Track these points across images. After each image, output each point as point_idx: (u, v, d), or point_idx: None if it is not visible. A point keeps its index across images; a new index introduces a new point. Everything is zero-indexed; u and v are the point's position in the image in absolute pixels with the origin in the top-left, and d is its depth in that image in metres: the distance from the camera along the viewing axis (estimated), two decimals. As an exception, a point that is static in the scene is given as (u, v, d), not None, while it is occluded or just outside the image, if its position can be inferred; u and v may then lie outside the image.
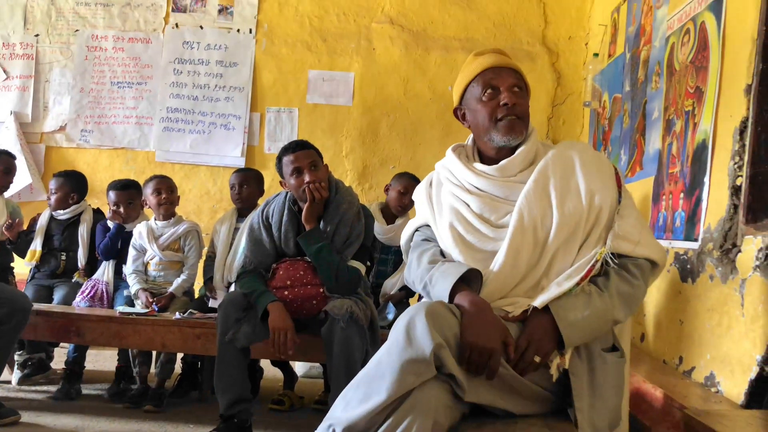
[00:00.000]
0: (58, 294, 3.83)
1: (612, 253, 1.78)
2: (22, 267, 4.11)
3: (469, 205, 1.92)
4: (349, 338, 2.76)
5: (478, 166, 1.94)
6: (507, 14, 5.06)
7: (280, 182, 3.09)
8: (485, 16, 5.07)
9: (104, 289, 3.76)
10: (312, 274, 2.97)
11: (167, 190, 3.77)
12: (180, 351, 3.50)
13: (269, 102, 5.18)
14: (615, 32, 4.04)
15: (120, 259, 3.84)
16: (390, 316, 3.55)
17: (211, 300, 3.73)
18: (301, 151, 3.00)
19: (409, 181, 3.85)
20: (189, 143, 5.18)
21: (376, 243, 3.72)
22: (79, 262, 3.96)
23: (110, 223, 3.86)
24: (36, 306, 3.43)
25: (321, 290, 2.95)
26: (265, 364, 3.95)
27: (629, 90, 3.60)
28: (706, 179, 2.49)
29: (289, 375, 3.84)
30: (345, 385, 1.71)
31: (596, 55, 4.33)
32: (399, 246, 2.29)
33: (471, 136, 2.05)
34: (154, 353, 3.59)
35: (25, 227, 4.00)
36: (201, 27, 5.23)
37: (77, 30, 5.28)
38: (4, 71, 5.30)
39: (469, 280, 1.79)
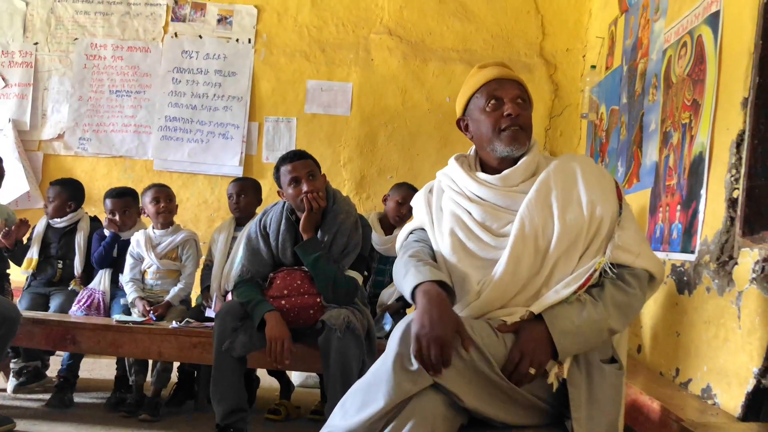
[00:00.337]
0: (54, 302, 3.82)
1: (611, 264, 1.79)
2: (18, 275, 4.10)
3: (470, 213, 1.92)
4: (345, 348, 2.76)
5: (481, 175, 1.96)
6: (505, 26, 5.08)
7: (278, 192, 3.10)
8: (483, 28, 5.09)
9: (100, 299, 3.75)
10: (309, 284, 2.97)
11: (166, 199, 3.77)
12: (176, 360, 3.49)
13: (267, 111, 5.19)
14: (612, 44, 4.06)
15: (116, 268, 3.84)
16: (387, 327, 3.55)
17: (207, 309, 3.72)
18: (299, 161, 3.01)
19: (407, 191, 3.86)
20: (187, 152, 5.18)
21: (374, 253, 3.72)
22: (75, 270, 3.96)
23: (106, 232, 3.85)
24: (32, 314, 3.43)
25: (318, 300, 2.95)
26: (261, 373, 3.94)
27: (626, 102, 3.62)
28: (703, 191, 2.50)
29: (286, 384, 3.83)
30: (342, 394, 1.71)
31: (594, 67, 4.35)
32: (396, 256, 2.28)
33: (473, 147, 2.06)
34: (150, 362, 3.58)
35: (25, 239, 3.98)
36: (200, 36, 5.24)
37: (76, 38, 5.29)
38: (3, 79, 5.30)
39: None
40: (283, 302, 2.94)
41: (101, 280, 3.83)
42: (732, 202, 2.28)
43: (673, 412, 2.05)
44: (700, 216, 2.50)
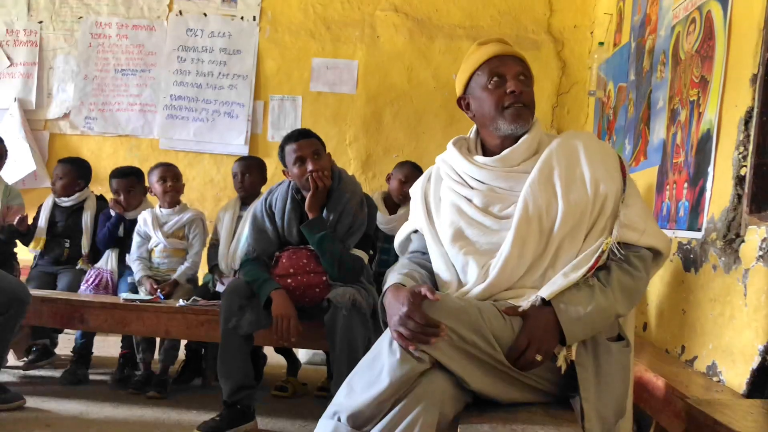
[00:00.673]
0: (62, 281, 3.84)
1: (617, 243, 1.77)
2: (25, 253, 4.12)
3: (471, 200, 1.90)
4: (351, 326, 2.77)
5: (479, 158, 1.93)
6: (512, 2, 5.04)
7: (283, 171, 3.09)
8: (490, 4, 5.05)
9: (108, 278, 3.77)
10: (315, 263, 2.97)
11: (173, 178, 3.78)
12: (183, 338, 3.52)
13: (273, 90, 5.17)
14: (620, 21, 4.02)
15: (123, 247, 3.85)
16: (393, 305, 3.55)
17: (218, 284, 3.73)
18: (304, 140, 3.01)
19: (411, 170, 3.85)
20: (193, 131, 5.18)
21: (379, 232, 3.72)
22: (82, 250, 3.97)
23: (112, 212, 3.86)
24: (40, 293, 3.45)
25: (324, 278, 2.96)
26: (268, 351, 3.97)
27: (634, 79, 3.59)
28: (710, 169, 2.48)
29: (292, 362, 3.86)
30: (347, 372, 1.72)
31: (601, 44, 4.31)
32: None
33: (474, 127, 2.03)
34: (157, 340, 3.61)
35: (31, 219, 3.98)
36: (205, 14, 5.22)
37: (81, 17, 5.28)
38: (8, 58, 5.30)
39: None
40: (289, 281, 2.95)
41: (108, 259, 3.85)
42: (739, 180, 2.26)
43: (678, 389, 2.05)
44: (707, 194, 2.49)
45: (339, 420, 1.64)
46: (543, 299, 1.70)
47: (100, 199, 4.12)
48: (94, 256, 3.95)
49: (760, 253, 2.10)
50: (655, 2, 3.34)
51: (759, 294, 2.09)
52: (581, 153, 1.85)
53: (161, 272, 3.71)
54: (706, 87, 2.59)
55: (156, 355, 3.64)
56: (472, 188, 1.91)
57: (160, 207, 3.80)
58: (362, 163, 5.07)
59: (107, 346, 4.45)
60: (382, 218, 3.71)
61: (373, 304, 2.95)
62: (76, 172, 4.06)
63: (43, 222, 3.97)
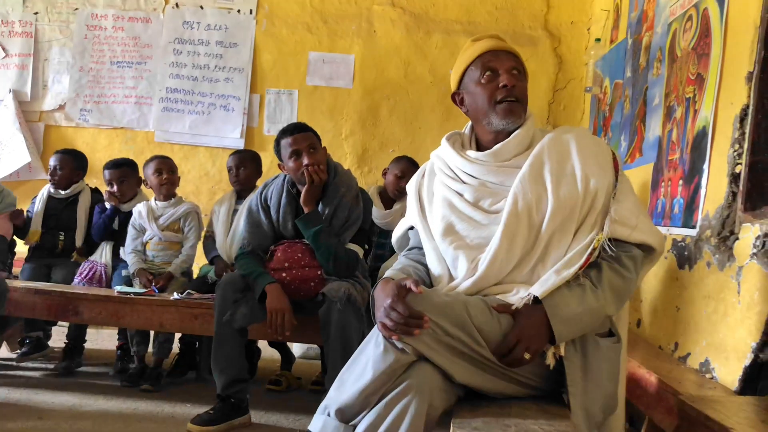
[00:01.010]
0: (56, 273, 3.83)
1: (609, 239, 1.77)
2: (20, 245, 4.10)
3: (462, 195, 1.91)
4: (346, 320, 2.77)
5: (471, 153, 1.94)
6: (509, -2, 5.04)
7: (279, 165, 3.09)
8: (487, 0, 5.04)
9: (102, 271, 3.76)
10: (310, 257, 2.97)
11: (168, 171, 3.77)
12: (178, 331, 3.52)
13: (269, 83, 5.16)
14: (617, 17, 4.02)
15: (118, 240, 3.85)
16: (387, 300, 3.55)
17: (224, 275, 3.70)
18: (300, 134, 3.00)
19: (407, 164, 3.85)
20: (188, 124, 5.17)
21: (374, 227, 3.72)
22: (76, 242, 3.96)
23: (107, 205, 3.85)
24: (34, 285, 3.45)
25: (319, 272, 2.96)
26: (262, 344, 3.97)
27: (630, 76, 3.59)
28: (706, 166, 2.48)
29: (287, 356, 3.86)
30: (341, 366, 1.73)
31: (598, 40, 4.31)
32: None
33: (469, 123, 2.04)
34: (152, 333, 3.60)
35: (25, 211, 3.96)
36: (201, 7, 5.20)
37: (77, 8, 5.25)
38: (3, 49, 5.27)
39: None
40: (284, 274, 2.95)
41: (103, 252, 3.84)
42: (734, 177, 2.27)
43: (671, 385, 2.06)
44: (702, 191, 2.49)
45: (328, 415, 1.65)
46: (535, 297, 1.70)
47: (95, 191, 4.11)
48: (88, 248, 3.95)
49: (754, 250, 2.10)
50: (652, -1, 3.34)
51: (752, 291, 2.10)
52: (573, 148, 1.85)
53: (156, 265, 3.70)
54: (702, 84, 2.59)
55: (150, 348, 3.63)
56: (464, 183, 1.92)
57: (155, 200, 3.79)
58: (358, 157, 5.07)
59: (101, 339, 4.44)
60: (377, 213, 3.70)
61: (368, 298, 2.95)
62: (75, 163, 4.04)
63: (38, 215, 3.95)
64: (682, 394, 1.94)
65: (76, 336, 3.74)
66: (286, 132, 3.03)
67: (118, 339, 3.79)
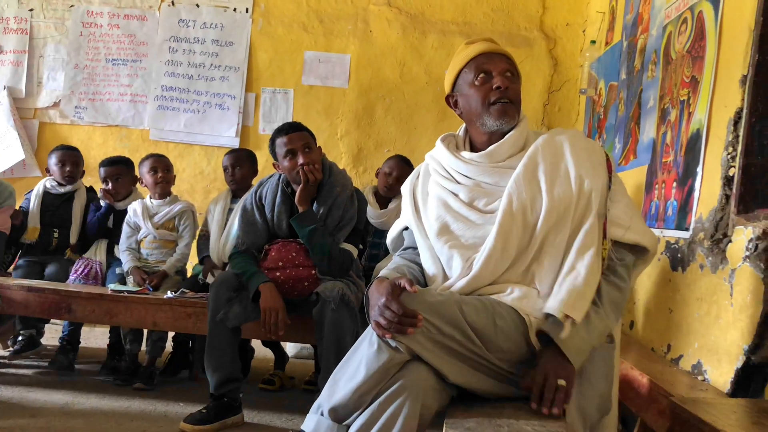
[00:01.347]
0: (49, 270, 3.82)
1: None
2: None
3: (457, 195, 1.92)
4: (339, 320, 2.77)
5: (465, 154, 1.95)
6: (505, -1, 5.05)
7: (274, 164, 3.09)
8: (483, 0, 5.05)
9: (97, 269, 3.75)
10: (304, 256, 2.97)
11: (164, 169, 3.76)
12: (171, 330, 3.51)
13: (265, 82, 5.16)
14: (613, 20, 4.03)
15: (112, 238, 3.84)
16: (381, 300, 3.55)
17: (209, 276, 3.71)
18: (295, 133, 3.00)
19: (396, 162, 3.87)
20: (183, 122, 5.16)
21: (369, 226, 3.72)
22: (70, 239, 3.95)
23: (102, 203, 3.85)
24: (27, 282, 3.44)
25: (313, 272, 2.96)
26: (256, 344, 3.97)
27: (625, 78, 3.60)
28: (699, 169, 2.49)
29: (280, 355, 3.86)
30: (335, 366, 1.73)
31: (593, 42, 4.32)
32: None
33: (463, 125, 2.05)
34: (145, 331, 3.60)
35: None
36: (197, 5, 5.19)
37: (72, 5, 5.24)
38: (-2, 45, 5.25)
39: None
40: (278, 274, 2.95)
41: (97, 250, 3.83)
42: (728, 180, 2.28)
43: (663, 387, 2.06)
44: (696, 193, 2.50)
45: (322, 414, 1.65)
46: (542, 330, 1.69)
47: (90, 190, 4.09)
48: (82, 246, 3.93)
49: (747, 253, 2.11)
50: (647, 1, 3.35)
51: (745, 294, 2.11)
52: (566, 149, 1.86)
53: (150, 263, 3.69)
54: (697, 87, 2.60)
55: (143, 347, 3.62)
56: (458, 183, 1.94)
57: (150, 198, 3.78)
58: (353, 157, 5.07)
59: (94, 338, 4.43)
60: (372, 212, 3.71)
61: (362, 298, 2.96)
62: (80, 158, 4.03)
63: (36, 212, 3.93)
64: (674, 396, 1.95)
65: (71, 333, 3.72)
66: (281, 131, 3.03)
67: (110, 338, 3.78)
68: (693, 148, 2.57)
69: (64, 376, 3.55)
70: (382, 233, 3.79)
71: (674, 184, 2.72)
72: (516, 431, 1.50)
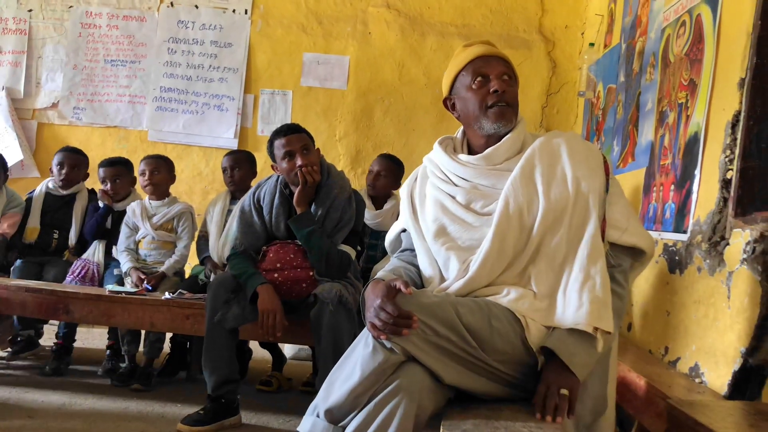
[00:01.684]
0: (48, 271, 3.81)
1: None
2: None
3: (454, 197, 1.93)
4: (337, 322, 2.77)
5: (462, 156, 1.96)
6: (504, 1, 5.05)
7: (272, 166, 3.09)
8: (482, 3, 5.06)
9: (95, 270, 3.75)
10: (302, 258, 2.97)
11: (151, 171, 3.75)
12: (169, 331, 3.51)
13: (263, 84, 5.16)
14: (611, 22, 4.04)
15: (110, 239, 3.83)
16: (379, 301, 3.55)
17: (212, 276, 3.70)
18: (293, 135, 3.00)
19: (383, 160, 3.89)
20: (182, 123, 5.16)
21: (366, 228, 3.73)
22: (69, 241, 3.94)
23: (101, 203, 3.85)
24: (25, 283, 3.43)
25: (311, 273, 2.96)
26: (254, 345, 3.97)
27: (624, 81, 3.60)
28: (697, 172, 2.50)
29: (278, 357, 3.85)
30: (332, 367, 1.73)
31: (592, 44, 4.32)
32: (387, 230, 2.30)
33: (461, 128, 2.06)
34: (143, 332, 3.60)
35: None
36: (196, 6, 5.19)
37: (71, 6, 5.24)
38: (-3, 46, 5.25)
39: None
40: (275, 275, 2.95)
41: (95, 251, 3.82)
42: (726, 183, 2.28)
43: (661, 389, 2.07)
44: (694, 196, 2.50)
45: (318, 416, 1.65)
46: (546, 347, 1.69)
47: (92, 192, 4.09)
48: (81, 248, 3.93)
49: (744, 256, 2.11)
50: (646, 4, 3.35)
51: (742, 297, 2.11)
52: (563, 151, 1.87)
53: (148, 264, 3.69)
54: (695, 90, 2.60)
55: (141, 348, 3.62)
56: (455, 185, 1.94)
57: (149, 199, 3.78)
58: (352, 158, 5.07)
59: (92, 339, 4.43)
60: (368, 214, 3.71)
61: (360, 300, 2.96)
62: (81, 162, 4.02)
63: (36, 212, 3.92)
64: (672, 399, 1.95)
65: (66, 335, 3.72)
66: (279, 133, 3.03)
67: (108, 338, 3.78)
68: (691, 151, 2.57)
69: (60, 378, 3.54)
70: (379, 234, 3.79)
71: (672, 187, 2.73)
72: (513, 433, 1.50)
